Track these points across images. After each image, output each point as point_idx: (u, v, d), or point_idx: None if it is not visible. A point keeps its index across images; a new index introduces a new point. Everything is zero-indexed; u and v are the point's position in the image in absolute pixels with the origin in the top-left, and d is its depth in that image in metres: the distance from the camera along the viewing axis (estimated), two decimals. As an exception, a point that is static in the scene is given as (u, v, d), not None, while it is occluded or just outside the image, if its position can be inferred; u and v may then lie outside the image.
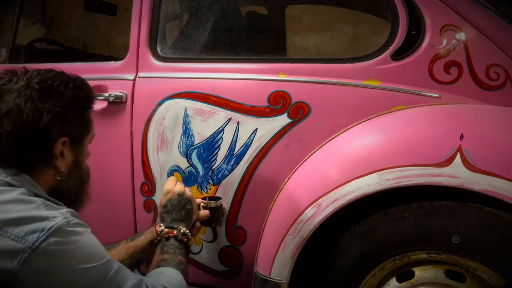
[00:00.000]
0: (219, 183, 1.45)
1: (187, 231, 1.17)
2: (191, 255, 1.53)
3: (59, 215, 0.88)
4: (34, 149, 0.95)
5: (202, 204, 1.29)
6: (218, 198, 1.32)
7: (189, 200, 1.21)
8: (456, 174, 1.12)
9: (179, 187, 1.22)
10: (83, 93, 1.02)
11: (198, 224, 1.33)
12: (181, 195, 1.20)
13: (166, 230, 1.15)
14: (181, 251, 1.12)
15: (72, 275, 0.86)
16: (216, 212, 1.30)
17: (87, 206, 1.63)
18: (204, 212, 1.30)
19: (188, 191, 1.23)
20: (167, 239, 1.13)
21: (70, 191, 1.03)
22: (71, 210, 0.95)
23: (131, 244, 1.25)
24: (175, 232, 1.15)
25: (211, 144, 1.44)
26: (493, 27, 1.25)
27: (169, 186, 1.23)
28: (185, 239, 1.15)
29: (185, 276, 1.07)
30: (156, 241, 1.15)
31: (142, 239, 1.26)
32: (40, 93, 0.94)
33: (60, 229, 0.86)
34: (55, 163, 0.98)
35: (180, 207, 1.19)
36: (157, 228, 1.19)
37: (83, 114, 1.03)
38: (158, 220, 1.26)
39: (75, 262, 0.86)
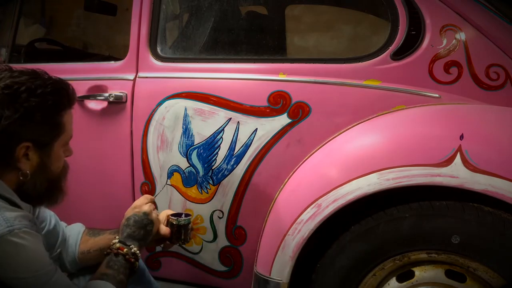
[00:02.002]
0: (219, 183, 1.45)
1: (138, 251, 1.13)
2: (191, 255, 1.53)
3: (3, 222, 0.91)
4: None
5: (169, 220, 1.24)
6: (187, 215, 1.25)
7: (151, 222, 1.18)
8: (456, 174, 1.12)
9: (147, 206, 1.19)
10: (51, 100, 1.00)
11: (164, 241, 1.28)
12: (146, 214, 1.18)
13: (118, 245, 1.12)
14: (125, 271, 1.10)
15: (5, 280, 0.90)
16: (178, 229, 1.23)
17: (87, 206, 1.64)
18: (165, 230, 1.23)
19: (154, 214, 1.20)
20: (116, 255, 1.10)
21: (38, 191, 1.05)
22: (25, 214, 0.98)
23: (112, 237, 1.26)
24: (125, 250, 1.11)
25: (211, 144, 1.44)
26: (493, 27, 1.26)
27: (139, 203, 1.21)
28: (133, 259, 1.12)
29: None
30: (106, 252, 1.13)
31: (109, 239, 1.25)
32: (2, 98, 0.96)
33: (1, 238, 0.89)
34: (18, 165, 1.00)
35: (141, 226, 1.16)
36: (113, 241, 1.16)
37: (51, 120, 1.02)
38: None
39: (9, 271, 0.91)
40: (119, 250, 1.11)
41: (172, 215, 1.25)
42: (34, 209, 1.13)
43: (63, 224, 1.29)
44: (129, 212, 1.20)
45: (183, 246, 1.53)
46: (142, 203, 1.21)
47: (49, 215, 1.24)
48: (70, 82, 1.60)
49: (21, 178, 1.01)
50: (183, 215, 1.24)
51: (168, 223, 1.24)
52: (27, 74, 1.01)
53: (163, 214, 1.26)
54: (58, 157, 1.07)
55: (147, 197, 1.24)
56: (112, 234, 1.25)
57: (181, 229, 1.23)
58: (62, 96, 1.03)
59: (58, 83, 1.03)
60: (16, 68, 1.03)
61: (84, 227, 1.31)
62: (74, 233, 1.28)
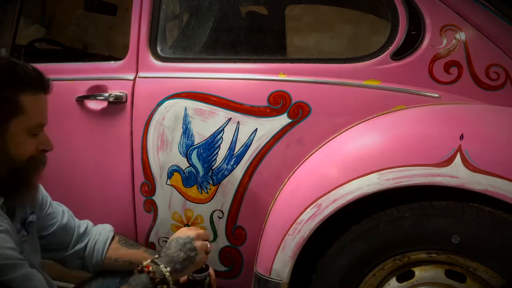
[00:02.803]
0: (219, 183, 1.45)
1: (168, 273, 1.03)
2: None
3: None
4: None
5: (188, 277, 1.16)
6: (204, 270, 1.16)
7: (195, 249, 1.09)
8: (456, 174, 1.12)
9: (195, 232, 1.11)
10: (3, 75, 0.95)
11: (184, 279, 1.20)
12: (191, 238, 1.09)
13: (145, 263, 1.05)
14: None
15: None
16: (194, 284, 1.15)
17: (87, 205, 1.64)
18: (184, 279, 1.16)
19: (201, 243, 1.11)
20: (141, 272, 1.02)
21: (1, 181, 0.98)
22: None
23: (148, 256, 1.19)
24: (151, 267, 1.03)
25: (211, 144, 1.44)
26: (493, 27, 1.26)
27: (186, 229, 1.14)
28: (158, 279, 1.01)
29: None
30: (135, 270, 1.05)
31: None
32: None
33: None
34: None
35: (181, 248, 1.08)
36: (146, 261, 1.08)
37: (2, 95, 0.95)
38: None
39: None
40: (144, 268, 1.03)
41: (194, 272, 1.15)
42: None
43: (83, 222, 1.26)
44: (173, 236, 1.13)
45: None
46: (189, 229, 1.14)
47: (61, 211, 1.22)
48: (70, 82, 1.62)
49: None
50: (201, 271, 1.15)
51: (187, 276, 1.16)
52: None
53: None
54: (19, 143, 0.98)
55: (204, 233, 1.15)
56: (148, 253, 1.21)
57: (196, 285, 1.15)
58: (20, 74, 0.97)
59: (18, 64, 0.98)
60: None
61: (113, 232, 1.27)
62: (103, 237, 1.24)
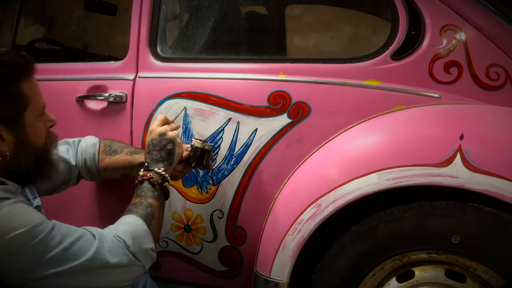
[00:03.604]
0: (219, 183, 1.45)
1: (163, 172, 1.14)
2: (191, 255, 1.53)
3: None
4: None
5: (193, 144, 1.28)
6: (207, 143, 1.30)
7: (170, 141, 1.19)
8: (456, 174, 1.12)
9: (162, 128, 1.20)
10: None
11: (179, 167, 1.31)
12: (162, 135, 1.19)
13: (141, 173, 1.14)
14: (153, 193, 1.11)
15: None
16: (200, 153, 1.26)
17: (87, 205, 1.63)
18: (185, 152, 1.28)
19: (170, 132, 1.21)
20: (141, 182, 1.12)
21: (25, 168, 1.01)
22: (6, 187, 0.94)
23: (129, 158, 1.34)
24: (148, 174, 1.13)
25: (211, 144, 1.44)
26: (493, 27, 1.25)
27: (153, 126, 1.22)
28: (159, 180, 1.13)
29: (149, 219, 1.06)
30: (135, 184, 1.15)
31: (138, 158, 1.33)
32: None
33: None
34: None
35: (161, 147, 1.18)
36: (139, 172, 1.18)
37: (7, 94, 0.97)
38: None
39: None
40: (143, 177, 1.13)
41: (196, 139, 1.29)
42: (25, 189, 1.10)
43: (74, 141, 1.38)
44: (146, 139, 1.22)
45: (184, 246, 1.53)
46: (156, 126, 1.22)
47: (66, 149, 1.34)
48: (70, 82, 1.62)
49: (0, 159, 0.97)
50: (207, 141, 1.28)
51: (191, 147, 1.28)
52: None
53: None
54: (36, 130, 1.02)
55: (160, 118, 1.25)
56: (129, 153, 1.32)
57: (204, 153, 1.27)
58: (10, 67, 0.97)
59: (2, 55, 0.98)
60: None
61: (97, 143, 1.37)
62: (91, 152, 1.34)
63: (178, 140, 1.24)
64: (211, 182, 1.46)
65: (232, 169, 1.43)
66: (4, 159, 0.97)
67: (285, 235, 1.28)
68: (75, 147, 1.38)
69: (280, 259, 1.30)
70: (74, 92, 1.59)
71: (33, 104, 1.01)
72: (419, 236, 1.19)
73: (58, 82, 1.64)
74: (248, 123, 1.40)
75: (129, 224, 1.02)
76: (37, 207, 1.13)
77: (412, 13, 1.30)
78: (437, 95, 1.27)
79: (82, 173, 1.38)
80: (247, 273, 1.46)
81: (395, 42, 1.31)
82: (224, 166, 1.43)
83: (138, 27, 1.54)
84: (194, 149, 1.28)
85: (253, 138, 1.40)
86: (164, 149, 1.19)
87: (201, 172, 1.46)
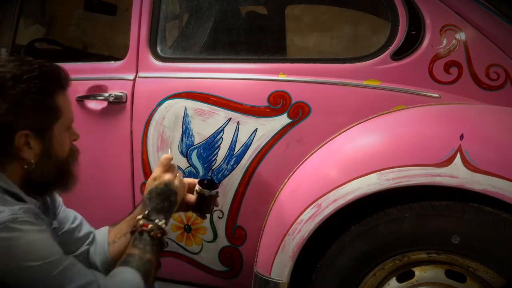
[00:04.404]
0: (219, 183, 1.45)
1: (164, 225, 1.10)
2: (191, 255, 1.53)
3: (7, 210, 0.90)
4: None
5: (196, 189, 1.21)
6: (215, 186, 1.22)
7: (174, 192, 1.14)
8: (456, 174, 1.12)
9: (169, 177, 1.15)
10: (39, 84, 0.97)
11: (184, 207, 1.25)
12: (168, 185, 1.13)
13: (141, 222, 1.08)
14: (152, 248, 1.06)
15: (11, 272, 0.88)
16: (207, 201, 1.21)
17: (86, 206, 1.63)
18: (191, 197, 1.22)
19: (176, 182, 1.15)
20: (141, 233, 1.07)
21: (46, 178, 1.03)
22: (29, 206, 0.95)
23: (131, 216, 1.23)
24: (149, 226, 1.07)
25: (211, 144, 1.44)
26: (493, 27, 1.25)
27: (158, 173, 1.16)
28: (159, 234, 1.08)
29: (146, 276, 1.03)
30: (131, 231, 1.10)
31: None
32: None
33: (3, 224, 0.88)
34: (21, 155, 0.98)
35: (164, 198, 1.12)
36: (138, 217, 1.12)
37: (43, 104, 0.99)
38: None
39: (15, 259, 0.88)
40: (143, 228, 1.07)
41: (200, 183, 1.21)
42: (46, 204, 1.11)
43: (92, 229, 1.28)
44: (150, 184, 1.15)
45: (184, 246, 1.53)
46: (161, 173, 1.15)
47: (73, 215, 1.23)
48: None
49: (25, 167, 0.99)
50: (210, 185, 1.21)
51: (196, 193, 1.21)
52: (13, 61, 0.99)
53: (187, 180, 1.23)
54: (62, 142, 1.05)
55: (165, 162, 1.17)
56: (130, 217, 1.22)
57: (211, 200, 1.21)
58: (50, 78, 1.00)
59: (45, 66, 1.00)
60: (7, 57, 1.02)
61: (107, 227, 1.27)
62: (101, 233, 1.25)
63: (182, 188, 1.18)
64: (211, 182, 1.46)
65: (232, 169, 1.43)
66: (29, 167, 1.00)
67: (285, 235, 1.28)
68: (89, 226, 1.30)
69: (280, 259, 1.30)
70: (74, 92, 1.59)
71: (64, 117, 1.03)
72: (419, 236, 1.19)
73: (58, 82, 1.64)
74: (248, 123, 1.40)
75: (127, 282, 0.99)
76: (54, 229, 1.13)
77: (412, 13, 1.30)
78: (437, 95, 1.27)
79: (91, 255, 1.26)
80: (247, 273, 1.46)
81: (395, 42, 1.31)
82: (224, 166, 1.43)
83: (138, 27, 1.54)
84: (199, 196, 1.21)
85: (253, 138, 1.40)
86: (168, 200, 1.13)
87: (201, 172, 1.46)
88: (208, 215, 1.31)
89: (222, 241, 1.48)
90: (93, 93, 1.57)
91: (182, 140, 1.47)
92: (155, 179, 1.15)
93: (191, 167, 1.47)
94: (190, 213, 1.50)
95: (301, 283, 1.34)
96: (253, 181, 1.42)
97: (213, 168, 1.44)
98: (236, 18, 1.65)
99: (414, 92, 1.29)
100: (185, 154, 1.47)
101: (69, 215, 1.22)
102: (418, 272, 1.23)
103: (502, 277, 1.14)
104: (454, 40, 1.26)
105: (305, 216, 1.26)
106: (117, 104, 1.54)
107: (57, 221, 1.17)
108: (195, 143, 1.46)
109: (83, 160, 1.59)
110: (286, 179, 1.38)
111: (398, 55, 1.31)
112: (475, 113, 1.25)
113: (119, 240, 1.20)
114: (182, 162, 1.47)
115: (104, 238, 1.23)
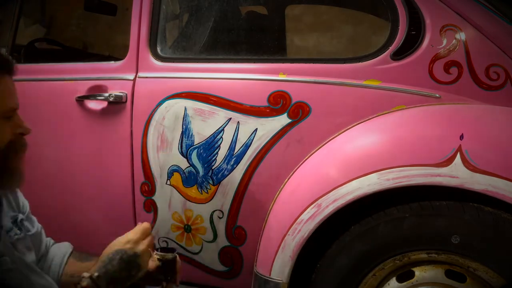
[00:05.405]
0: (219, 183, 1.45)
1: None
2: (191, 255, 1.53)
3: None
4: None
5: (156, 257, 1.07)
6: (173, 250, 1.11)
7: (138, 266, 0.99)
8: (456, 174, 1.12)
9: (142, 246, 1.01)
10: None
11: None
12: (137, 256, 0.99)
13: (85, 283, 0.92)
14: None
15: None
16: (171, 264, 1.08)
17: (86, 205, 1.63)
18: (153, 264, 1.06)
19: (146, 257, 1.01)
20: None
21: None
22: None
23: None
24: None
25: (211, 144, 1.44)
26: (493, 27, 1.25)
27: (135, 237, 1.02)
28: None
29: None
30: (75, 283, 0.95)
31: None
32: None
33: None
34: None
35: (126, 268, 0.97)
36: (84, 274, 0.95)
37: None
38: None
39: None
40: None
41: (157, 250, 1.09)
42: None
43: (49, 240, 1.19)
44: (118, 244, 1.01)
45: (184, 246, 1.53)
46: (138, 239, 1.02)
47: (36, 223, 1.14)
48: (70, 82, 1.62)
49: None
50: (168, 250, 1.10)
51: (159, 260, 1.08)
52: None
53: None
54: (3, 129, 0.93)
55: (145, 230, 1.05)
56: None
57: (175, 263, 1.09)
58: None
59: None
60: None
61: (71, 248, 1.17)
62: (61, 253, 1.15)
63: (146, 264, 1.03)
64: (211, 182, 1.46)
65: (232, 169, 1.43)
66: None
67: (285, 235, 1.28)
68: (48, 243, 1.19)
69: (280, 259, 1.30)
70: (74, 92, 1.59)
71: None
72: (419, 236, 1.19)
73: (58, 82, 1.64)
74: (248, 123, 1.40)
75: None
76: (22, 221, 1.05)
77: (412, 13, 1.30)
78: (437, 95, 1.27)
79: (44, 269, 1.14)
80: (247, 273, 1.46)
81: (395, 42, 1.31)
82: (224, 166, 1.43)
83: (138, 27, 1.54)
84: (165, 262, 1.07)
85: (253, 138, 1.40)
86: (128, 272, 0.97)
87: (201, 172, 1.46)
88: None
89: (222, 241, 1.48)
90: (93, 93, 1.57)
91: (182, 140, 1.47)
92: (128, 242, 1.01)
93: (191, 167, 1.47)
94: (190, 213, 1.50)
95: (301, 283, 1.34)
96: (253, 181, 1.42)
97: (213, 168, 1.44)
98: (236, 18, 1.65)
99: (414, 92, 1.29)
100: (185, 154, 1.47)
101: (34, 221, 1.14)
102: (418, 272, 1.23)
103: (502, 277, 1.14)
104: (454, 40, 1.26)
105: (305, 216, 1.26)
106: (117, 104, 1.54)
107: (24, 215, 1.09)
108: (195, 143, 1.46)
109: (83, 160, 1.60)
110: (286, 179, 1.38)
111: (398, 55, 1.31)
112: (475, 113, 1.25)
113: (76, 278, 1.02)
114: (182, 162, 1.47)
115: (61, 263, 1.14)
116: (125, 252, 0.99)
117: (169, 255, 1.08)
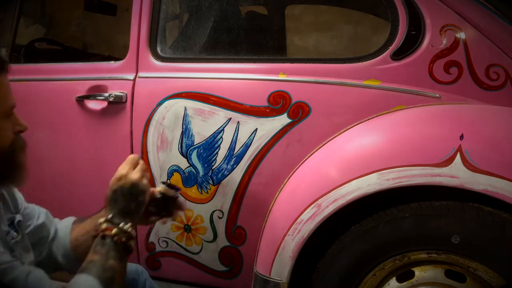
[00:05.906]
0: (219, 183, 1.45)
1: (130, 228, 0.98)
2: (191, 255, 1.53)
3: None
4: None
5: (159, 190, 1.12)
6: (178, 189, 1.13)
7: (142, 192, 1.03)
8: (456, 174, 1.12)
9: (136, 175, 1.04)
10: None
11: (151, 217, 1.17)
12: (135, 184, 1.02)
13: (104, 226, 0.97)
14: (116, 254, 0.96)
15: None
16: (170, 202, 1.12)
17: (87, 205, 1.63)
18: (154, 194, 1.12)
19: (145, 180, 1.05)
20: (103, 237, 0.96)
21: None
22: None
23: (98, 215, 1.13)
24: (113, 231, 0.96)
25: (211, 144, 1.44)
26: (493, 27, 1.25)
27: (124, 171, 1.04)
28: (124, 239, 0.97)
29: (108, 284, 0.93)
30: (94, 235, 0.99)
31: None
32: None
33: None
34: None
35: (131, 198, 1.01)
36: (99, 220, 1.00)
37: None
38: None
39: None
40: (106, 232, 0.97)
41: (163, 182, 1.13)
42: (3, 198, 1.03)
43: (56, 220, 1.20)
44: (113, 184, 1.04)
45: (184, 246, 1.53)
46: (127, 171, 1.04)
47: (38, 212, 1.16)
48: (70, 82, 1.62)
49: None
50: (173, 187, 1.12)
51: (160, 193, 1.12)
52: None
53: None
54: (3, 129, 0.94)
55: (132, 160, 1.07)
56: (98, 217, 1.11)
57: (174, 202, 1.13)
58: None
59: None
60: None
61: (73, 218, 1.20)
62: (64, 225, 1.17)
63: (149, 190, 1.07)
64: (211, 182, 1.46)
65: (232, 169, 1.43)
66: None
67: (285, 235, 1.28)
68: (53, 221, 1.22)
69: (280, 259, 1.30)
70: (74, 92, 1.59)
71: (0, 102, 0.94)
72: (419, 236, 1.19)
73: (58, 82, 1.64)
74: (248, 123, 1.40)
75: None
76: (19, 222, 1.05)
77: (412, 13, 1.30)
78: (437, 95, 1.27)
79: (54, 249, 1.18)
80: (247, 273, 1.46)
81: (395, 42, 1.31)
82: (224, 166, 1.43)
83: (138, 27, 1.54)
84: (165, 198, 1.12)
85: (253, 138, 1.40)
86: (136, 200, 1.02)
87: (201, 172, 1.46)
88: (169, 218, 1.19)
89: (222, 241, 1.48)
90: (93, 93, 1.57)
91: (182, 140, 1.47)
92: (120, 178, 1.04)
93: (191, 167, 1.47)
94: (190, 213, 1.50)
95: (301, 283, 1.34)
96: (253, 181, 1.42)
97: (213, 168, 1.44)
98: (236, 18, 1.65)
99: (414, 92, 1.29)
100: (185, 154, 1.47)
101: (33, 211, 1.15)
102: (418, 272, 1.23)
103: (502, 277, 1.14)
104: (454, 40, 1.26)
105: (305, 216, 1.26)
106: (117, 104, 1.54)
107: (21, 215, 1.09)
108: (195, 143, 1.46)
109: (83, 160, 1.60)
110: (286, 179, 1.38)
111: (398, 55, 1.31)
112: (475, 113, 1.25)
113: (82, 238, 1.12)
114: (182, 162, 1.47)
115: (66, 234, 1.16)
116: (122, 187, 1.03)
117: (171, 192, 1.12)
